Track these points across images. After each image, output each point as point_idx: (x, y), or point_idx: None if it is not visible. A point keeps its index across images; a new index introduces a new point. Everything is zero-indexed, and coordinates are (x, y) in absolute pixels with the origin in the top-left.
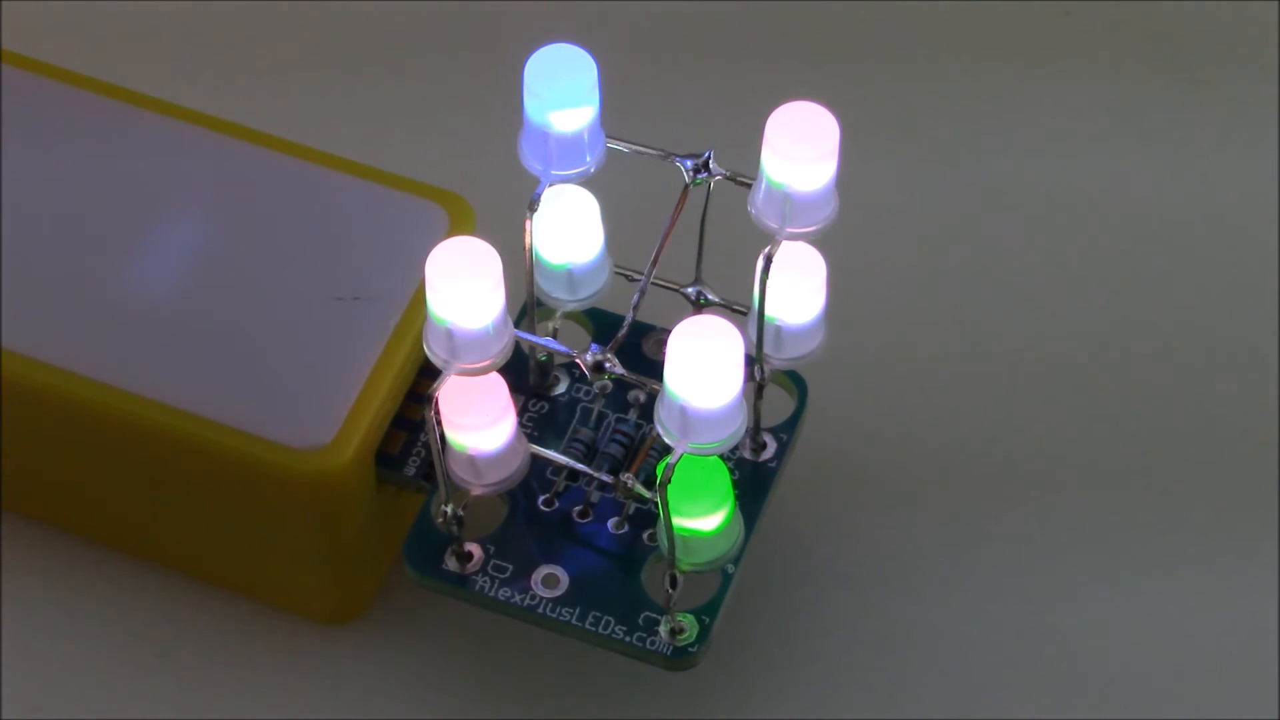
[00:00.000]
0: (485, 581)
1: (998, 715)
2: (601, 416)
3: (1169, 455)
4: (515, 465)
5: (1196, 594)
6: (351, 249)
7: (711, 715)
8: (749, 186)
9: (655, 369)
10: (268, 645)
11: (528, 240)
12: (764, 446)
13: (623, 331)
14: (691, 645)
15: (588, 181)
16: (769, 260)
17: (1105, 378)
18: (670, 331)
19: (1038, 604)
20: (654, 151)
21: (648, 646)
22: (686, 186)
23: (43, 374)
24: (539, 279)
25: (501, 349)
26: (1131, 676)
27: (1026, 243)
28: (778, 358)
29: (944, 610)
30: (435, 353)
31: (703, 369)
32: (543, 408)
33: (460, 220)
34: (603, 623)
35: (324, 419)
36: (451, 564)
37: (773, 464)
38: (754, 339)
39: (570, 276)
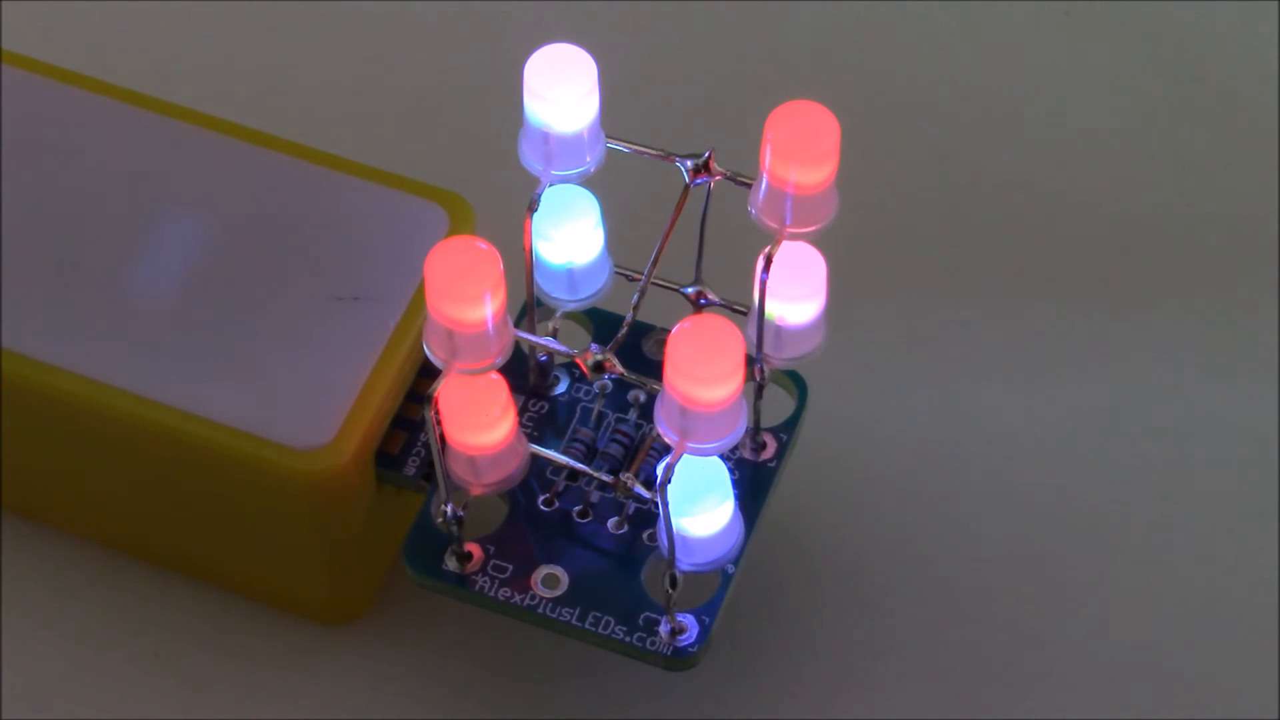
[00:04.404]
0: (485, 581)
1: (998, 715)
2: (601, 416)
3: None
4: (515, 465)
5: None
6: (351, 249)
7: (711, 715)
8: (749, 186)
9: (655, 369)
10: (268, 645)
11: (528, 240)
12: (764, 446)
13: (623, 331)
14: (691, 645)
15: (588, 181)
16: (769, 260)
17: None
18: (670, 331)
19: (1040, 605)
20: (654, 151)
21: (648, 646)
22: (686, 186)
23: (43, 374)
24: (539, 279)
25: (501, 349)
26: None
27: (1026, 242)
28: (778, 357)
29: (944, 610)
30: (435, 353)
31: (703, 368)
32: (543, 408)
33: (460, 220)
34: (603, 623)
35: (324, 419)
36: (451, 564)
37: (773, 464)
38: (754, 339)
39: (570, 276)
